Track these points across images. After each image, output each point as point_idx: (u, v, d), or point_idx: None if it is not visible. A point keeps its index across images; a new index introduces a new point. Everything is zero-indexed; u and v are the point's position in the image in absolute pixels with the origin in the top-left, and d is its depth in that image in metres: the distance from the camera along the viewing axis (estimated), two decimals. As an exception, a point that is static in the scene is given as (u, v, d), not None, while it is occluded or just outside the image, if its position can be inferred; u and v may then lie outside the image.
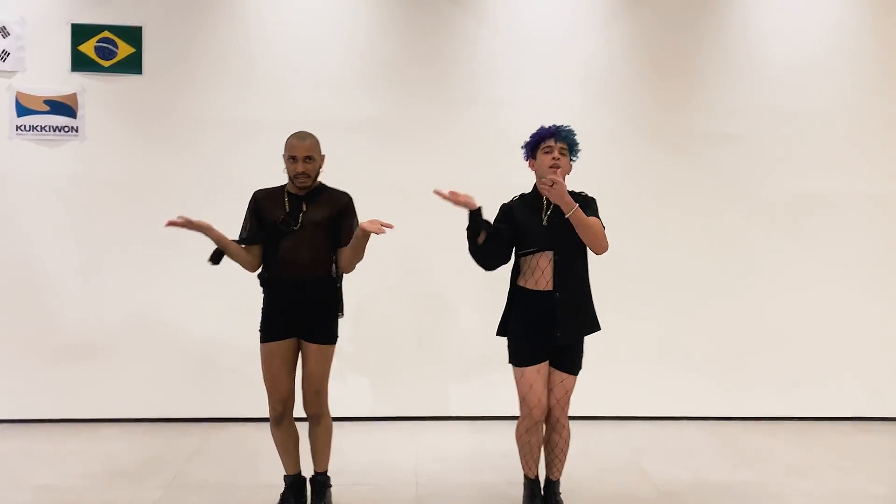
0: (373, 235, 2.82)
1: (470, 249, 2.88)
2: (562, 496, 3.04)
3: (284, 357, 2.90)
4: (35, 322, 4.12)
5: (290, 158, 2.88)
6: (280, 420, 2.93)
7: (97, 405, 4.15)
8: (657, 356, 4.35)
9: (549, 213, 2.87)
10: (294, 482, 3.00)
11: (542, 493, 3.05)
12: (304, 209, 2.89)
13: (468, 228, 2.86)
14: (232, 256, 2.91)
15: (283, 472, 3.02)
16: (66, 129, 4.13)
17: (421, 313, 4.30)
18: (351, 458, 3.67)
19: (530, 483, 3.03)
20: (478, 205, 2.82)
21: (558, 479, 3.05)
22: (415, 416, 4.28)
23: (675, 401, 4.36)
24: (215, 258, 2.92)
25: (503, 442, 3.82)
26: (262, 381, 2.93)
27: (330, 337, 2.94)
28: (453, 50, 4.24)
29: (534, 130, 2.94)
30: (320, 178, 2.99)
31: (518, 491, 3.17)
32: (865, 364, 4.41)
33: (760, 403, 4.39)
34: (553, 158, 2.83)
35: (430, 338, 4.30)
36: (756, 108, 4.32)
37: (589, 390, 4.17)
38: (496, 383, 4.15)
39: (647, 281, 4.31)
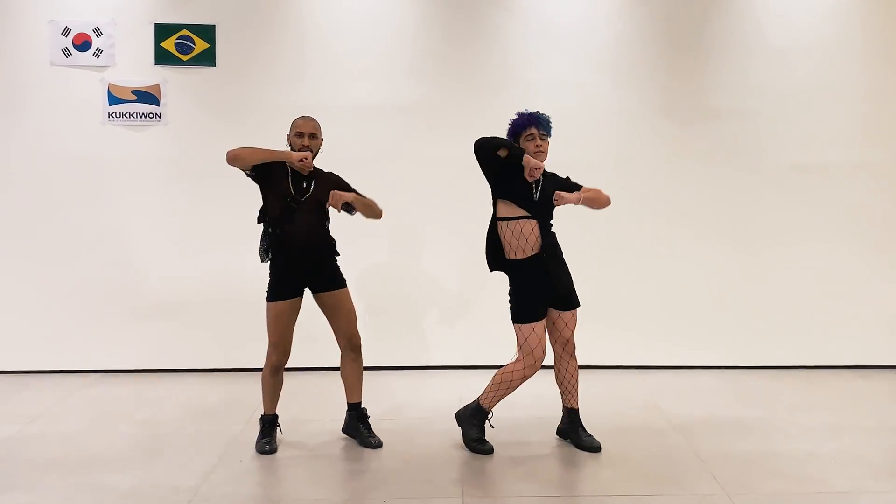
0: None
1: (486, 146, 3.27)
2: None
3: (291, 315, 3.37)
4: (125, 285, 4.70)
5: (298, 135, 3.33)
6: (278, 369, 3.44)
7: (181, 357, 4.74)
8: (673, 311, 4.79)
9: (538, 191, 3.34)
10: (272, 419, 3.51)
11: (574, 419, 3.52)
12: (306, 186, 3.34)
13: (500, 147, 3.26)
14: (256, 149, 3.33)
15: (262, 413, 3.50)
16: (151, 115, 4.70)
17: (458, 272, 4.78)
18: (402, 398, 4.21)
19: (480, 413, 3.49)
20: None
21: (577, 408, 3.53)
22: (455, 366, 4.79)
23: (691, 351, 4.81)
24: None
25: (533, 386, 4.32)
26: (268, 333, 3.37)
27: (342, 281, 3.45)
28: (487, 40, 4.69)
29: (515, 116, 3.40)
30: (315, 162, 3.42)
31: (546, 423, 3.70)
32: (865, 316, 4.82)
33: (769, 353, 4.83)
34: (536, 146, 3.30)
35: (468, 296, 4.80)
36: (761, 85, 4.70)
37: (611, 342, 4.69)
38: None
39: (662, 244, 4.75)
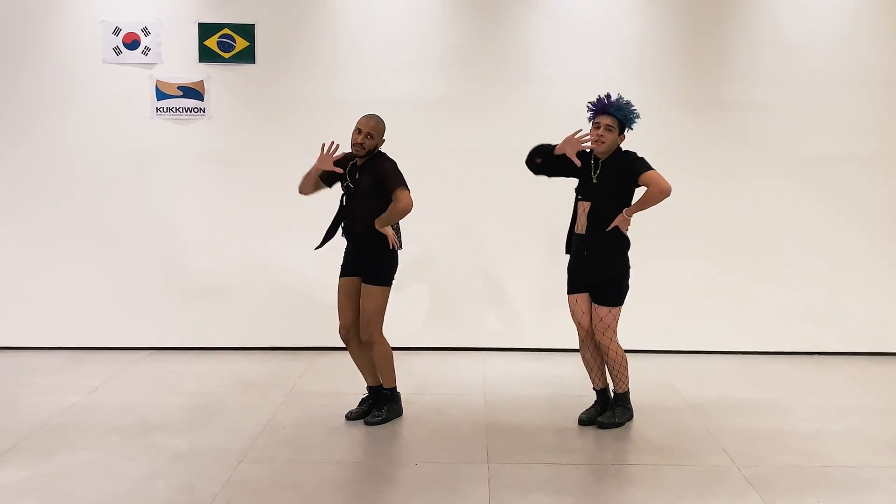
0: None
1: (529, 163, 3.57)
2: (631, 404, 3.71)
3: (348, 292, 3.64)
4: (173, 269, 5.01)
5: (356, 130, 3.58)
6: (347, 343, 3.70)
7: (224, 336, 5.05)
8: (691, 297, 4.97)
9: (598, 172, 3.49)
10: (372, 391, 3.77)
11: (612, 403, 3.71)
12: (357, 176, 3.58)
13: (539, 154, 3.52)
14: (308, 174, 3.63)
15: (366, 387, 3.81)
16: (196, 109, 4.97)
17: (483, 257, 5.02)
18: (431, 376, 4.48)
19: (598, 394, 3.72)
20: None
21: (622, 392, 3.68)
22: (480, 347, 5.04)
23: (708, 336, 5.00)
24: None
25: (556, 367, 4.58)
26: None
27: (377, 279, 3.57)
28: (511, 35, 4.89)
29: (589, 100, 3.54)
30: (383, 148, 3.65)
31: (567, 401, 3.95)
32: (878, 304, 4.95)
33: (785, 339, 4.99)
34: (598, 134, 3.42)
35: (491, 280, 5.04)
36: (777, 77, 4.83)
37: (631, 327, 4.88)
38: (553, 320, 4.92)
39: (684, 232, 4.92)
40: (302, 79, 4.92)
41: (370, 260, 3.61)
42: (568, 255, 3.69)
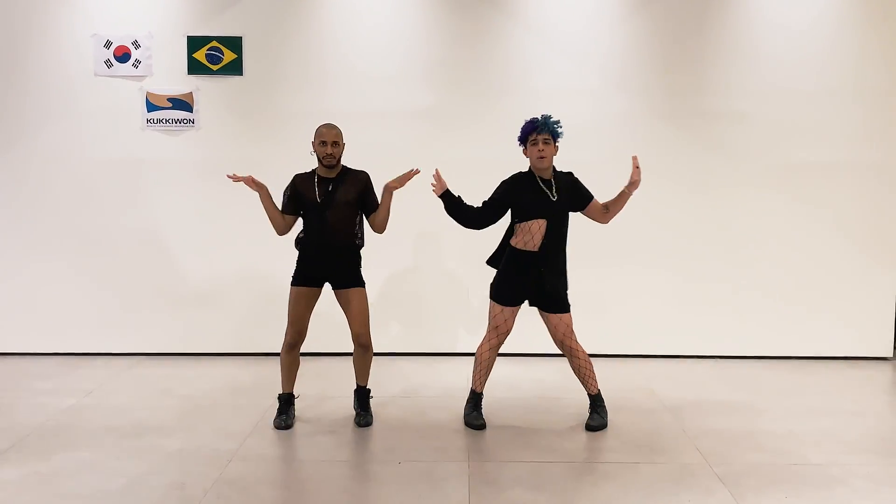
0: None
1: (453, 216, 3.73)
2: (605, 404, 3.83)
3: (308, 302, 3.72)
4: (165, 276, 5.11)
5: (321, 143, 3.62)
6: (293, 347, 3.75)
7: (214, 342, 5.15)
8: (670, 303, 5.10)
9: (554, 189, 3.62)
10: (287, 398, 3.83)
11: (591, 403, 3.81)
12: (331, 189, 3.63)
13: (446, 207, 3.70)
14: (270, 217, 3.71)
15: (279, 392, 3.82)
16: (185, 121, 5.08)
17: (467, 267, 5.10)
18: (416, 380, 4.59)
19: (475, 396, 3.83)
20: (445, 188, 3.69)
21: (598, 393, 3.81)
22: (463, 353, 5.08)
23: (687, 341, 5.13)
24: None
25: (534, 371, 4.70)
26: (286, 315, 3.73)
27: (361, 281, 3.75)
28: (493, 47, 5.02)
29: (522, 126, 3.67)
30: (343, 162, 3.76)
31: (545, 402, 4.07)
32: (855, 310, 5.10)
33: (762, 344, 5.12)
34: (539, 150, 3.57)
35: (475, 289, 5.10)
36: (756, 88, 4.98)
37: (610, 332, 5.02)
38: (532, 326, 5.03)
39: (661, 240, 5.06)
40: (289, 90, 5.04)
41: (348, 266, 3.73)
42: (491, 266, 3.80)
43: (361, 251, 3.83)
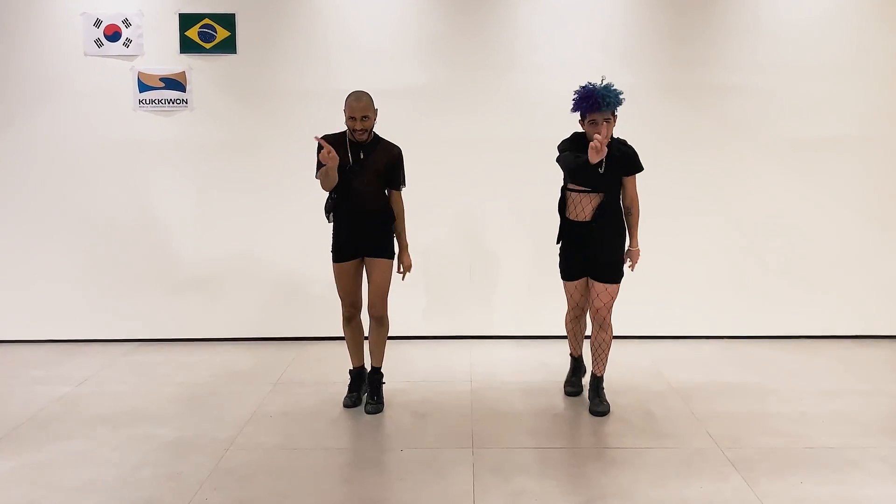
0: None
1: (566, 164, 3.47)
2: (604, 391, 3.75)
3: (353, 274, 3.66)
4: (161, 261, 5.00)
5: (350, 118, 3.48)
6: (350, 320, 3.73)
7: (211, 327, 5.05)
8: (678, 282, 4.99)
9: (603, 164, 3.44)
10: (358, 374, 3.81)
11: (592, 384, 3.75)
12: (362, 156, 3.54)
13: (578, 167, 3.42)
14: (329, 178, 3.47)
15: (349, 367, 3.83)
16: (178, 101, 4.93)
17: (469, 246, 5.02)
18: (418, 364, 4.50)
19: (574, 360, 3.95)
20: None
21: (602, 376, 3.74)
22: (467, 336, 5.05)
23: (695, 321, 5.01)
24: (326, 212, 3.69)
25: (543, 354, 4.59)
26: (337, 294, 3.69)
27: (389, 253, 3.65)
28: (493, 21, 4.86)
29: (578, 89, 3.45)
30: (375, 130, 3.67)
31: (554, 387, 3.96)
32: (865, 287, 4.97)
33: (771, 323, 5.01)
34: (597, 134, 3.29)
35: (478, 268, 5.05)
36: (765, 61, 4.81)
37: (619, 312, 4.89)
38: (539, 308, 4.94)
39: (669, 218, 4.92)
40: (284, 68, 4.90)
41: (379, 235, 3.63)
42: (559, 245, 3.73)
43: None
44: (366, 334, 3.85)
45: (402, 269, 3.73)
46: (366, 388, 3.83)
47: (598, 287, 3.61)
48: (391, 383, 4.06)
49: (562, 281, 3.78)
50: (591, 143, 3.22)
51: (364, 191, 3.58)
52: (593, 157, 3.24)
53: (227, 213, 4.98)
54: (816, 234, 4.97)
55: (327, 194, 3.66)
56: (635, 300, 4.95)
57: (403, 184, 3.73)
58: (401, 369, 4.39)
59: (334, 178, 3.52)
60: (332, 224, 3.70)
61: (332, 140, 3.59)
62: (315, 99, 4.87)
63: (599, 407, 3.67)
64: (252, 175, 4.95)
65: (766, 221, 4.96)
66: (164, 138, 4.94)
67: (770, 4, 4.83)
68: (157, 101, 4.93)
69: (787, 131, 4.89)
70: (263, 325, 5.06)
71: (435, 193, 4.94)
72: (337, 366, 4.43)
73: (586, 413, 3.70)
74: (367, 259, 3.68)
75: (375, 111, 3.59)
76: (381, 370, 3.82)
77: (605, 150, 3.25)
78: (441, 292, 5.07)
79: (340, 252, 3.66)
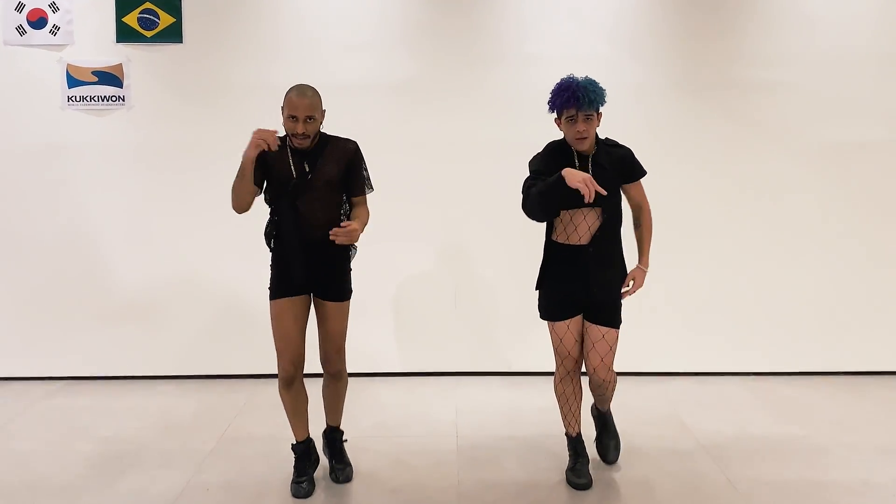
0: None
1: (539, 204, 2.73)
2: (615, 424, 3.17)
3: (298, 315, 2.81)
4: (89, 283, 4.30)
5: (291, 118, 2.70)
6: (291, 382, 2.82)
7: (152, 363, 4.34)
8: (695, 310, 4.32)
9: (592, 172, 2.76)
10: (305, 449, 2.94)
11: (599, 422, 3.16)
12: (307, 168, 2.75)
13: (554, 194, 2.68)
14: (241, 187, 2.74)
15: (293, 441, 2.94)
16: (114, 98, 4.26)
17: (454, 268, 4.35)
18: (392, 410, 3.79)
19: (572, 442, 3.02)
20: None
21: (609, 410, 3.15)
22: (452, 372, 4.36)
23: (712, 356, 4.35)
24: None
25: (539, 396, 3.89)
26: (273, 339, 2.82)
27: (346, 293, 2.90)
28: (482, 8, 4.21)
29: (553, 87, 2.77)
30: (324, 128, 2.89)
31: (555, 443, 3.24)
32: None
33: (801, 358, 4.34)
34: (577, 131, 2.71)
35: (464, 294, 4.36)
36: (790, 54, 4.19)
37: (627, 345, 4.21)
38: (530, 339, 4.22)
39: (682, 233, 4.27)
40: (237, 60, 4.21)
41: (334, 270, 2.86)
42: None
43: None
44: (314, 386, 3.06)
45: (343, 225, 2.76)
46: (316, 463, 3.02)
47: (593, 332, 2.87)
48: (358, 435, 3.35)
49: (547, 323, 2.95)
50: (576, 182, 2.54)
51: (313, 212, 2.78)
52: (583, 188, 2.55)
53: (171, 228, 4.30)
54: (853, 252, 4.29)
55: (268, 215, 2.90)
56: (646, 331, 4.26)
57: (369, 187, 2.92)
58: (371, 416, 3.69)
59: (247, 183, 2.71)
60: (271, 251, 2.92)
61: (264, 156, 2.76)
62: (273, 96, 4.07)
63: (612, 456, 3.13)
64: (200, 184, 4.25)
65: (794, 235, 4.29)
66: (97, 141, 4.27)
67: (803, -12, 4.18)
68: (89, 98, 4.28)
69: (819, 134, 4.24)
70: (211, 361, 4.34)
71: (413, 206, 4.25)
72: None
73: (599, 479, 2.98)
74: (318, 303, 2.91)
75: (323, 112, 2.81)
76: (341, 427, 3.10)
77: (594, 189, 2.54)
78: (420, 321, 4.36)
79: (281, 285, 2.83)
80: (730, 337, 4.33)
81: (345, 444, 3.10)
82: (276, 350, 2.85)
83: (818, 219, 4.28)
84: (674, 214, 4.22)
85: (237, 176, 2.75)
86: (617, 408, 3.73)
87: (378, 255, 4.27)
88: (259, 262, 4.16)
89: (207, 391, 4.13)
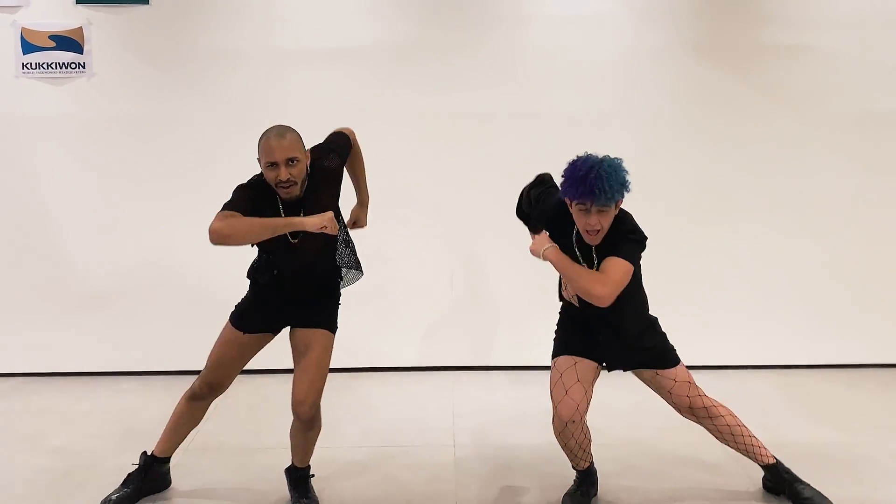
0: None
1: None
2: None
3: (243, 352, 2.62)
4: (47, 270, 3.97)
5: (270, 166, 2.37)
6: (197, 399, 2.67)
7: (115, 358, 4.03)
8: (714, 297, 4.02)
9: (597, 263, 2.43)
10: (150, 465, 2.71)
11: (775, 478, 2.68)
12: (304, 214, 2.46)
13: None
14: (261, 235, 2.41)
15: (145, 450, 2.72)
16: (73, 65, 3.92)
17: (451, 251, 4.03)
18: (382, 412, 3.45)
19: (578, 475, 2.67)
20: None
21: (776, 462, 2.66)
22: (448, 367, 4.02)
23: (737, 346, 4.04)
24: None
25: (545, 395, 3.48)
26: (210, 351, 2.63)
27: (332, 321, 2.61)
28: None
29: (567, 166, 2.37)
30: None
31: (560, 453, 2.86)
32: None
33: (837, 348, 4.04)
34: (587, 223, 2.34)
35: (463, 282, 4.01)
36: (821, 16, 3.86)
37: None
38: (534, 329, 3.84)
39: (697, 214, 3.98)
40: (210, 24, 3.87)
41: (323, 300, 2.62)
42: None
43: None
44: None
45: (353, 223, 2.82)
46: (155, 487, 2.74)
47: (666, 378, 2.52)
48: (342, 445, 3.01)
49: (552, 361, 2.59)
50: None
51: (310, 262, 2.54)
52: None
53: (137, 209, 3.98)
54: (885, 230, 4.01)
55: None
56: (662, 321, 3.88)
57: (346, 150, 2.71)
58: (358, 422, 3.33)
59: (271, 235, 2.40)
60: (251, 282, 2.64)
61: (256, 195, 2.44)
62: (248, 61, 3.89)
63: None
64: (169, 160, 3.94)
65: (821, 213, 4.00)
66: (55, 113, 3.95)
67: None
68: (46, 66, 3.96)
69: (848, 103, 3.92)
70: (182, 356, 3.94)
71: (405, 186, 3.89)
72: (272, 415, 3.36)
73: (615, 493, 2.62)
74: (298, 332, 2.58)
75: (307, 152, 2.48)
76: (303, 468, 2.69)
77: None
78: (414, 311, 4.03)
79: (245, 319, 2.59)
80: (754, 325, 4.03)
81: (311, 478, 2.71)
82: (206, 365, 2.64)
83: (846, 195, 3.98)
84: (691, 196, 3.92)
85: (267, 225, 2.37)
86: (633, 409, 3.41)
87: (364, 236, 3.89)
88: (234, 249, 3.82)
89: (175, 389, 3.63)
